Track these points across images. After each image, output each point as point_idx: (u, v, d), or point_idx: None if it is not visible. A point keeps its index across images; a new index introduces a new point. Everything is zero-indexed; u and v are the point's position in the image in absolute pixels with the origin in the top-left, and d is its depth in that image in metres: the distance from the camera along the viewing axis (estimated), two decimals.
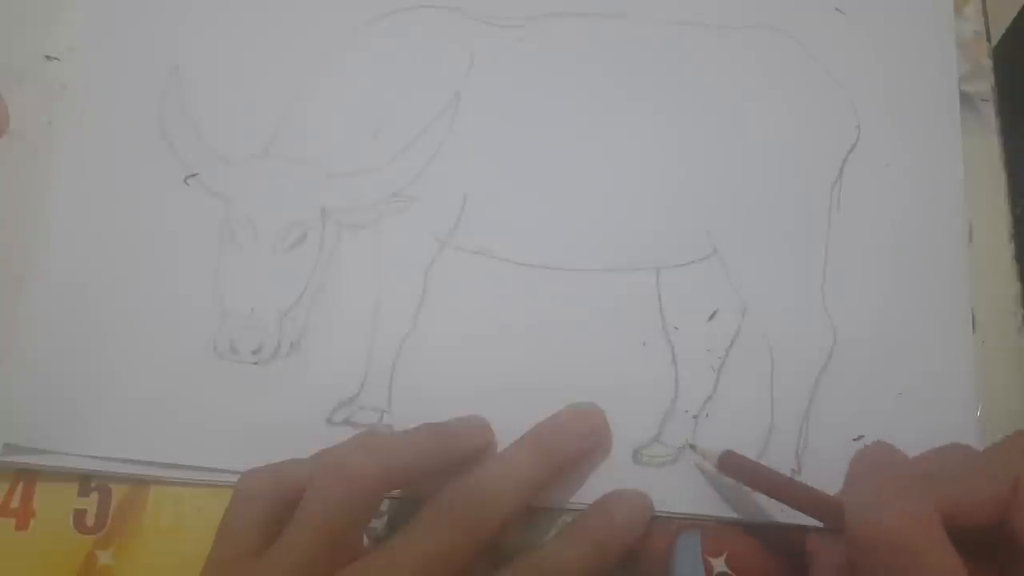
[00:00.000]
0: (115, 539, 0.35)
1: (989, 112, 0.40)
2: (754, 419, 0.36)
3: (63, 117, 0.40)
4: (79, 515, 0.36)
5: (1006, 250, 0.38)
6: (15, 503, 0.36)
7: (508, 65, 0.40)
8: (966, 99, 0.40)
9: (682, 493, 0.35)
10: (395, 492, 0.30)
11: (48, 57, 0.41)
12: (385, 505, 0.34)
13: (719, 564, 0.34)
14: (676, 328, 0.37)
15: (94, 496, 0.36)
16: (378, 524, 0.35)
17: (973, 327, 0.37)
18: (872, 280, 0.37)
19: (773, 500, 0.33)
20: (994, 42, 0.41)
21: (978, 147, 0.39)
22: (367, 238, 0.38)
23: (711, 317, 0.37)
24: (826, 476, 0.35)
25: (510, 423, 0.35)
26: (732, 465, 0.33)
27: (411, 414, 0.35)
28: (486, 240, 0.38)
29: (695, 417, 0.36)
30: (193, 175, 0.39)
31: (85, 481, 0.36)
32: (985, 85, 0.40)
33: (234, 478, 0.31)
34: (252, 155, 0.39)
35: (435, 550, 0.29)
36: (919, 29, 0.40)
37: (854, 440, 0.35)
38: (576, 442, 0.34)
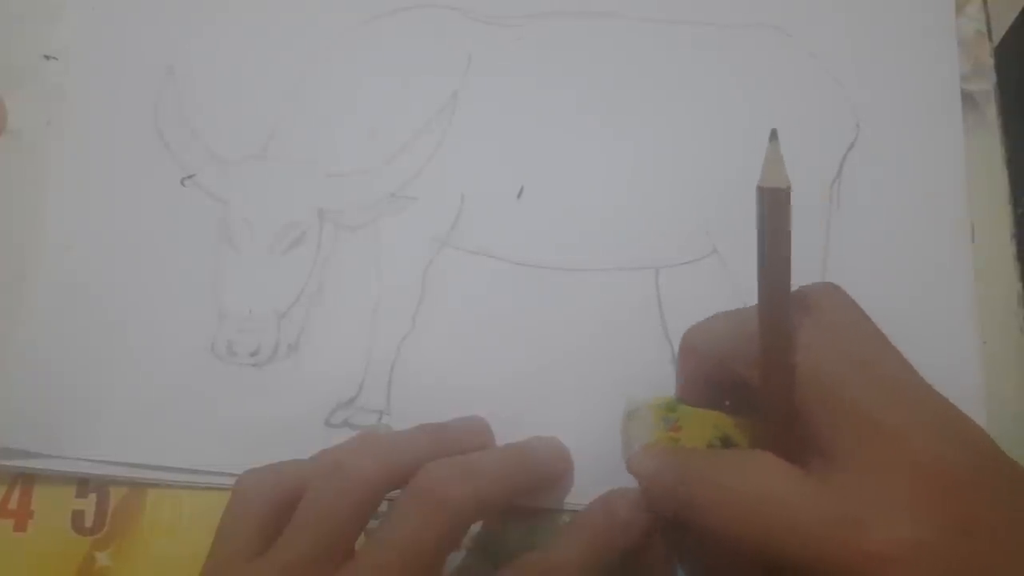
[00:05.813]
0: (113, 540, 0.35)
1: (991, 111, 0.39)
2: None
3: (61, 117, 0.40)
4: (77, 516, 0.36)
5: (1008, 249, 0.38)
6: (13, 504, 0.36)
7: (506, 64, 0.40)
8: (967, 98, 0.39)
9: None
10: (394, 492, 0.30)
11: (47, 57, 0.41)
12: (384, 505, 0.34)
13: None
14: (676, 327, 0.37)
15: (92, 497, 0.36)
16: (376, 524, 0.35)
17: (975, 327, 0.36)
18: (872, 280, 0.37)
19: None
20: (996, 41, 0.41)
21: (980, 146, 0.39)
22: (365, 239, 0.38)
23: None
24: None
25: (509, 423, 0.35)
26: None
27: (410, 415, 0.35)
28: (484, 240, 0.38)
29: None
30: (190, 176, 0.39)
31: (83, 482, 0.36)
32: (987, 84, 0.40)
33: (232, 481, 0.31)
34: (249, 156, 0.39)
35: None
36: (920, 27, 0.40)
37: None
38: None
